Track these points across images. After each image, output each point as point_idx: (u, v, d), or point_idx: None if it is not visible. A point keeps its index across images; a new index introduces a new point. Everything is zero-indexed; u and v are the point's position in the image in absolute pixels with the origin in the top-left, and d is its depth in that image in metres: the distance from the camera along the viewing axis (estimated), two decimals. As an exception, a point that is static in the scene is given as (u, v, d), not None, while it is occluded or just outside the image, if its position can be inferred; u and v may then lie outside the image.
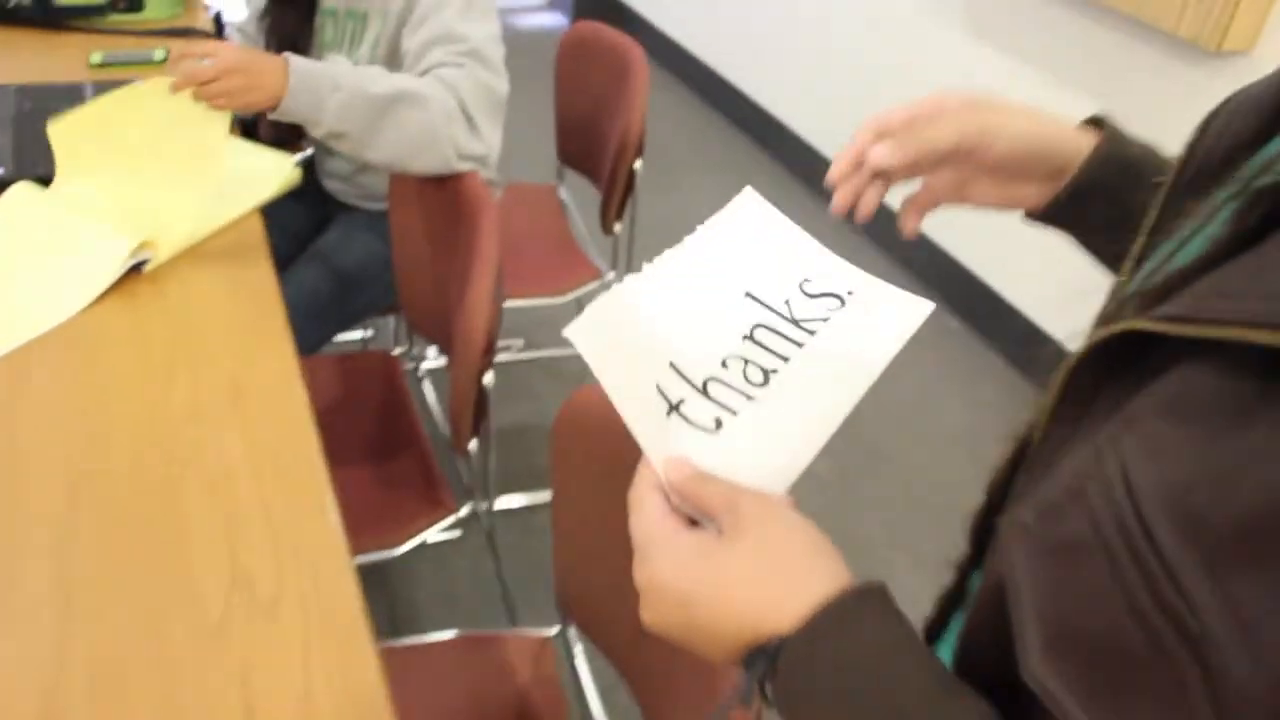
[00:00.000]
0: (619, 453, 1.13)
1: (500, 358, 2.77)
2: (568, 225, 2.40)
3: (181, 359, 1.33)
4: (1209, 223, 0.46)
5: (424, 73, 1.68)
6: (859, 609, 0.52)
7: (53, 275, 1.46)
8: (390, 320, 2.48)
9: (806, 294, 0.67)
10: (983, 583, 0.49)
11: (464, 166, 1.63)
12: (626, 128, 2.02)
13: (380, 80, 1.59)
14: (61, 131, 1.57)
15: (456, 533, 1.86)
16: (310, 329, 1.88)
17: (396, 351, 1.96)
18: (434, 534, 1.58)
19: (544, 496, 2.27)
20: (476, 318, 1.36)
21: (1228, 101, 0.54)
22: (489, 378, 1.43)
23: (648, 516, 0.58)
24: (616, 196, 2.10)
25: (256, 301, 1.46)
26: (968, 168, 0.71)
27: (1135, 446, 0.40)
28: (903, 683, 0.49)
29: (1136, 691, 0.39)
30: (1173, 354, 0.41)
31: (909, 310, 0.66)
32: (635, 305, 0.65)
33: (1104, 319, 0.47)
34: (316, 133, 1.57)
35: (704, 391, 0.62)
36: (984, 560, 0.55)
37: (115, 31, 2.34)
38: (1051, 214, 0.73)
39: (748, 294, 0.67)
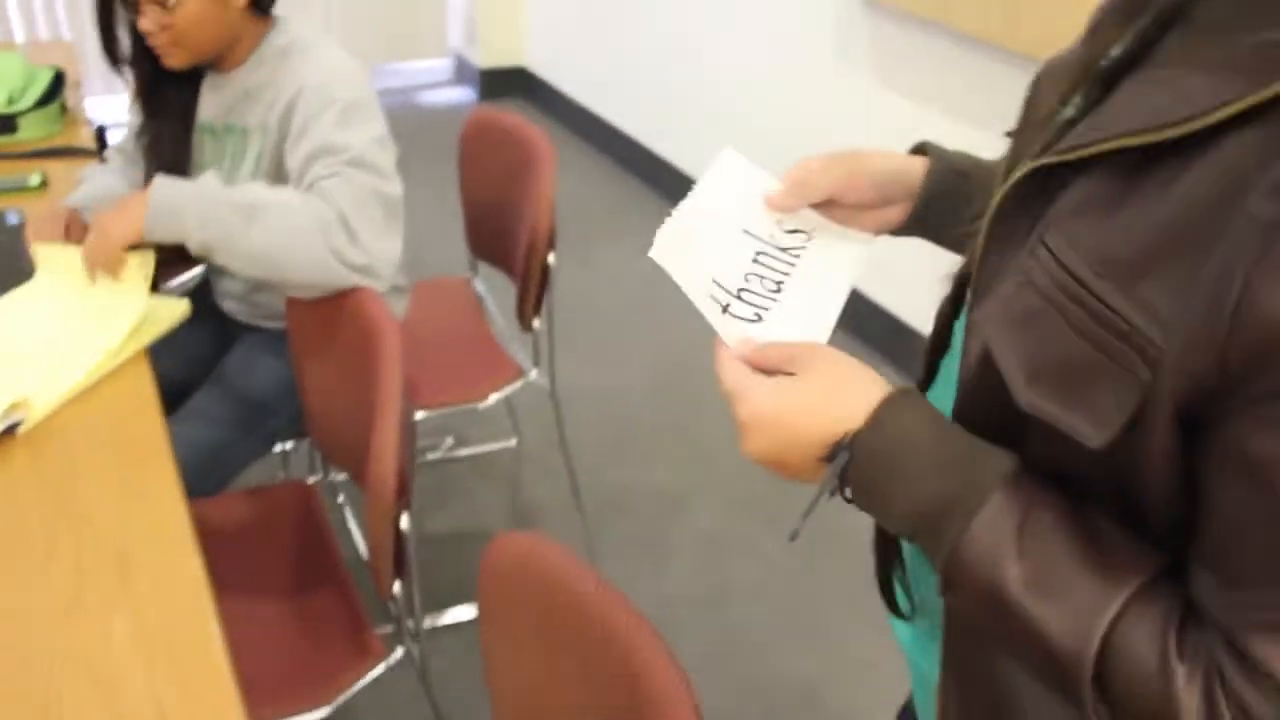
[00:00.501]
0: (549, 609, 1.03)
1: (429, 457, 2.67)
2: (485, 321, 2.30)
3: (62, 532, 1.22)
4: (1064, 110, 0.68)
5: (307, 189, 1.58)
6: (903, 402, 0.71)
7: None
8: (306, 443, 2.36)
9: (784, 230, 0.90)
10: (964, 361, 0.69)
11: (352, 278, 1.56)
12: (536, 220, 1.94)
13: (247, 191, 1.55)
14: None
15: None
16: (216, 464, 1.76)
17: (312, 480, 1.84)
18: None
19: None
20: (385, 461, 1.25)
21: (1044, 67, 0.76)
22: (405, 522, 1.32)
23: (736, 371, 0.77)
24: (532, 292, 2.01)
25: (144, 458, 1.34)
26: (841, 210, 0.90)
27: (1056, 239, 0.61)
28: (943, 443, 0.68)
29: (1097, 382, 0.58)
30: (1062, 181, 0.62)
31: (855, 239, 0.91)
32: (677, 235, 0.88)
33: (999, 182, 0.70)
34: (190, 245, 1.53)
35: (739, 297, 0.86)
36: (946, 351, 0.79)
37: (-11, 156, 2.21)
38: (913, 223, 0.93)
39: (745, 231, 0.90)
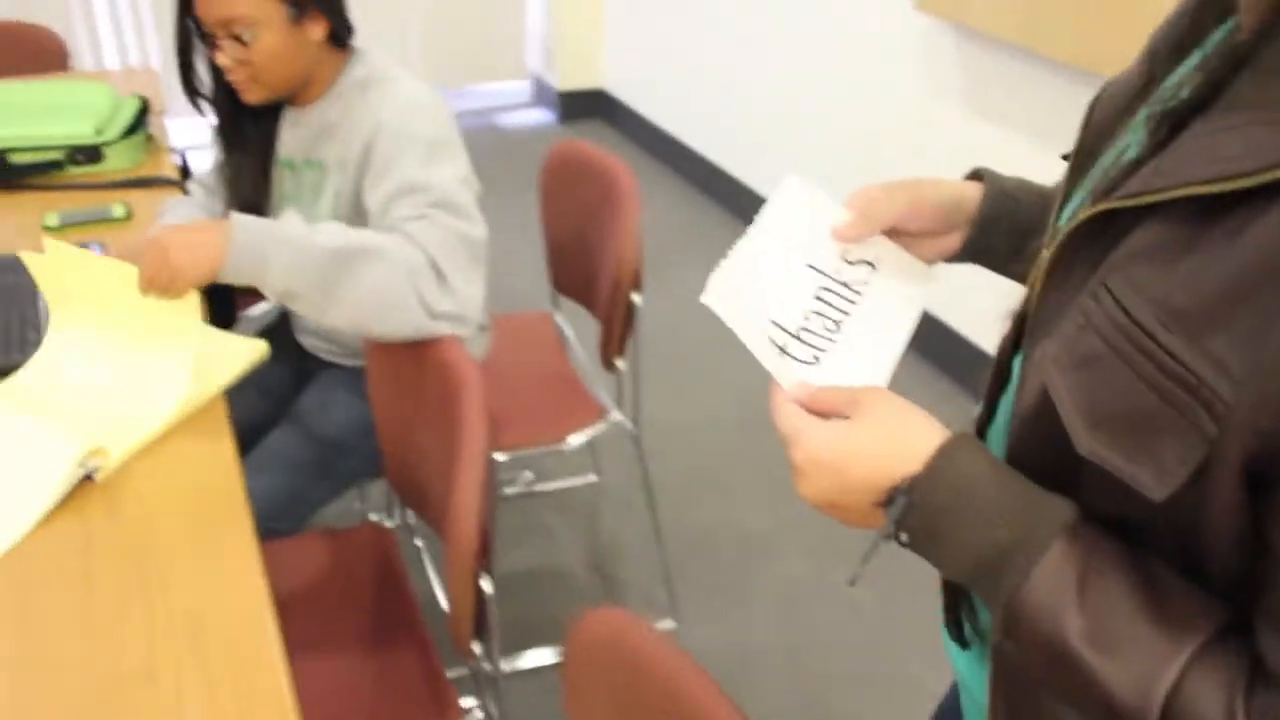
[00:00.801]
0: (636, 689, 0.96)
1: (507, 492, 2.62)
2: (567, 358, 2.24)
3: (135, 591, 1.17)
4: (1124, 148, 0.68)
5: (388, 230, 1.53)
6: (961, 447, 0.70)
7: (-5, 494, 1.30)
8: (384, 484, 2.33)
9: (848, 262, 0.88)
10: (1021, 400, 0.68)
11: (439, 327, 1.48)
12: (620, 258, 1.88)
13: (334, 235, 1.46)
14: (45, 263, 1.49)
15: None
16: (292, 506, 1.72)
17: (390, 523, 1.79)
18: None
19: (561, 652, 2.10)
20: (466, 521, 1.19)
21: (1103, 90, 0.77)
22: (487, 584, 1.26)
23: (792, 414, 0.77)
24: (615, 333, 1.94)
25: (219, 511, 1.29)
26: (903, 237, 0.90)
27: (1120, 284, 0.59)
28: (1002, 490, 0.67)
29: (1161, 434, 0.56)
30: (1125, 225, 0.61)
31: (920, 273, 0.89)
32: (734, 277, 0.86)
33: (1052, 235, 0.71)
34: (268, 292, 1.45)
35: (798, 338, 0.84)
36: (1005, 387, 0.76)
37: (76, 186, 2.20)
38: (970, 249, 0.94)
39: (809, 265, 0.88)
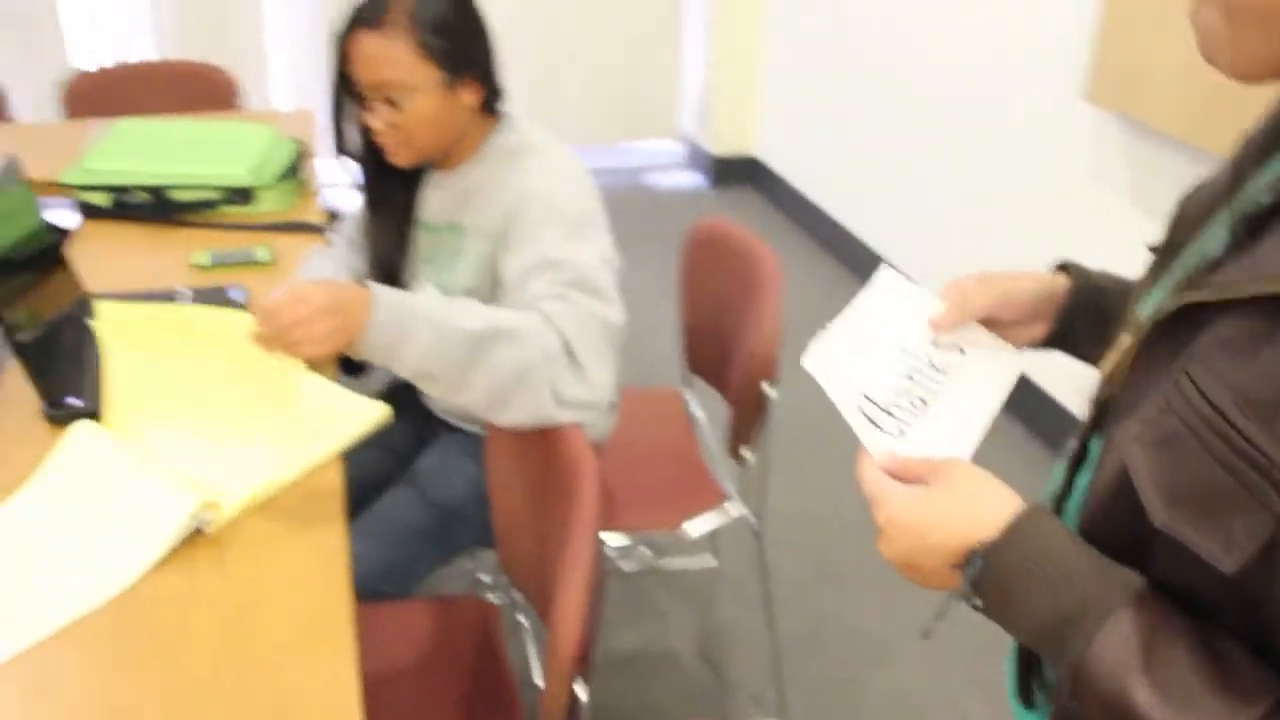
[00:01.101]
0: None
1: (623, 568, 2.56)
2: (694, 440, 2.17)
3: (226, 658, 1.14)
4: (1206, 245, 0.72)
5: (524, 306, 1.49)
6: (1036, 517, 0.74)
7: (106, 540, 1.30)
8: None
9: (936, 346, 0.95)
10: (1099, 475, 0.73)
11: (565, 415, 1.42)
12: (757, 348, 1.80)
13: (473, 315, 1.40)
14: (117, 327, 1.43)
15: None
16: (401, 573, 1.69)
17: (495, 598, 1.74)
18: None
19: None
20: (568, 626, 1.13)
21: (1195, 188, 0.81)
22: (583, 692, 1.19)
23: (878, 478, 0.83)
24: (745, 422, 1.86)
25: (323, 581, 1.26)
26: (994, 326, 0.96)
27: (1200, 371, 0.64)
28: (1074, 558, 0.71)
29: (1235, 515, 0.61)
30: (1206, 317, 0.66)
31: (1008, 359, 0.94)
32: (833, 347, 0.95)
33: (1134, 323, 0.76)
34: (401, 372, 1.38)
35: (888, 413, 0.90)
36: (1083, 465, 0.80)
37: (226, 226, 2.25)
38: (1055, 338, 1.00)
39: (901, 348, 0.95)
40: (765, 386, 1.82)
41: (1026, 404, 3.05)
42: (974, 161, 3.37)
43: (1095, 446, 0.79)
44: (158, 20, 4.39)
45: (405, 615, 1.67)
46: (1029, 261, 3.06)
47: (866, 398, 0.92)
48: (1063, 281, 1.00)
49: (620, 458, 2.05)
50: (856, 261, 4.16)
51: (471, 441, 1.80)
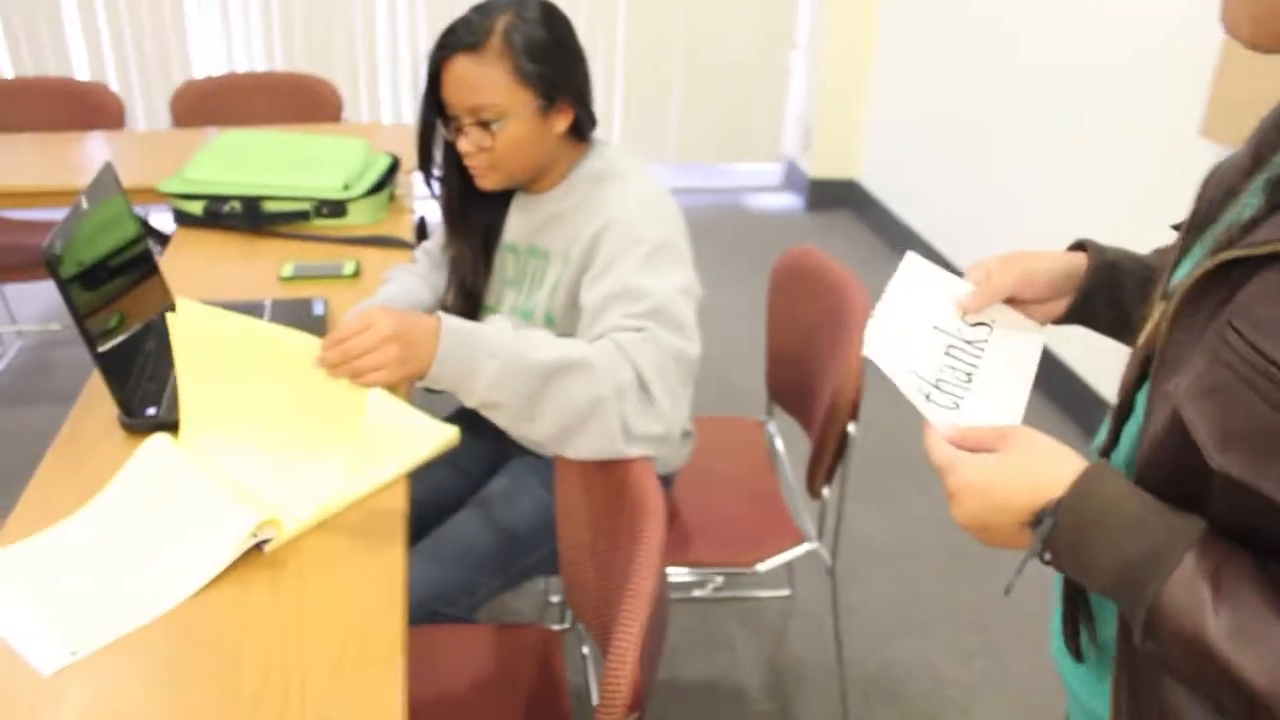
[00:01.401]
0: None
1: (694, 594, 2.51)
2: (773, 473, 2.11)
3: (276, 680, 1.12)
4: (1241, 210, 0.78)
5: (599, 336, 1.46)
6: (1101, 473, 0.79)
7: (168, 554, 1.30)
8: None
9: (968, 323, 1.01)
10: (1151, 425, 0.78)
11: (634, 450, 1.38)
12: (842, 384, 1.74)
13: (544, 347, 1.37)
14: (189, 337, 1.43)
15: None
16: (466, 595, 1.67)
17: (559, 627, 1.71)
18: None
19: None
20: (623, 671, 1.09)
21: (1214, 170, 0.89)
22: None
23: (946, 449, 0.87)
24: (825, 460, 1.80)
25: (377, 607, 1.24)
26: (1017, 305, 1.03)
27: (1245, 323, 0.69)
28: (1139, 509, 0.76)
29: None
30: (1244, 274, 0.71)
31: (1033, 333, 1.02)
32: (883, 333, 0.99)
33: (1167, 289, 0.85)
34: (469, 402, 1.36)
35: (937, 387, 0.95)
36: (1129, 418, 0.87)
37: (316, 238, 2.27)
38: (1075, 313, 1.06)
39: (935, 327, 1.01)
40: (849, 426, 1.76)
41: (1051, 380, 3.04)
42: (1086, 196, 3.26)
43: (1140, 400, 0.84)
44: (271, 32, 4.49)
45: (465, 639, 1.65)
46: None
47: (916, 374, 0.97)
48: (1081, 259, 1.06)
49: (696, 487, 2.01)
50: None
51: (543, 466, 1.77)
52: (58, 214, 1.58)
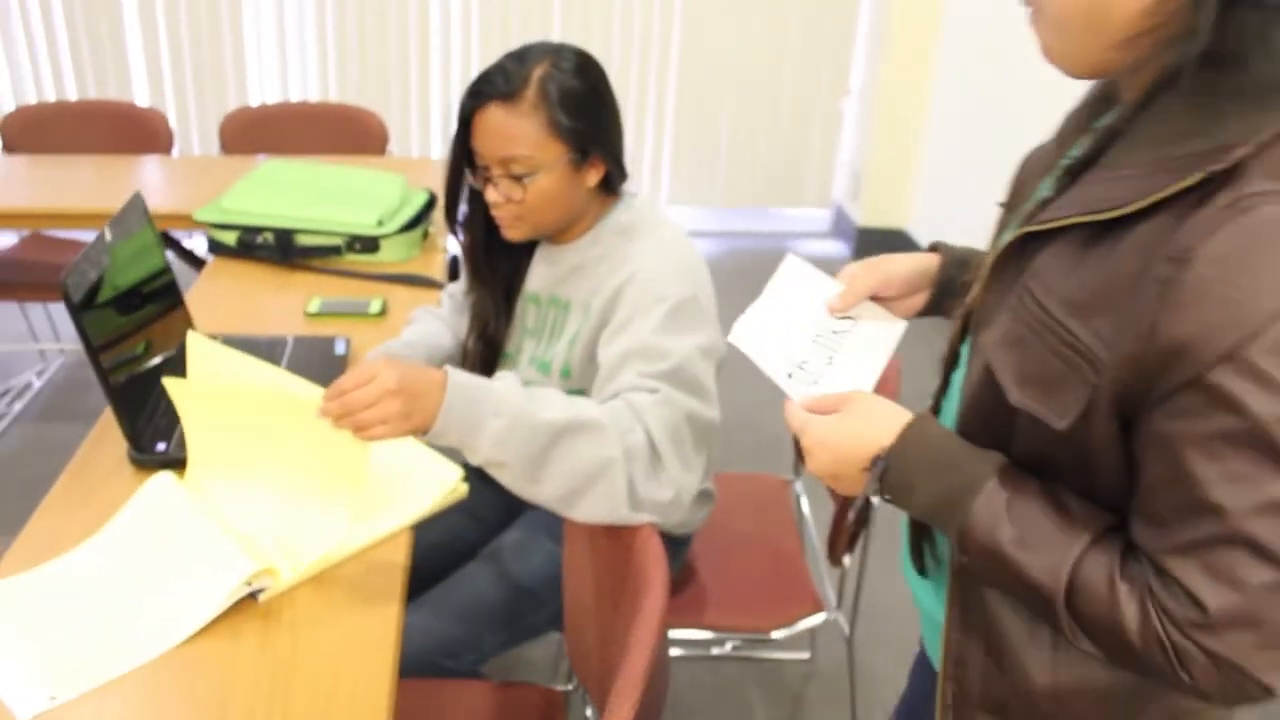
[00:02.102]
0: None
1: (712, 652, 2.45)
2: (797, 536, 2.05)
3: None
4: (1040, 192, 0.94)
5: (614, 394, 1.42)
6: (922, 423, 0.96)
7: (162, 598, 1.28)
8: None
9: (836, 318, 1.18)
10: (970, 373, 0.95)
11: (640, 517, 1.34)
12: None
13: (552, 405, 1.33)
14: (188, 393, 1.42)
15: None
16: (469, 646, 1.63)
17: (563, 688, 1.67)
18: None
19: None
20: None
21: (1027, 158, 1.07)
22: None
23: (800, 414, 1.04)
24: (846, 528, 1.74)
25: (367, 665, 1.20)
26: (879, 302, 1.18)
27: (1036, 285, 0.87)
28: (952, 450, 0.93)
29: (1065, 388, 0.83)
30: (1038, 245, 0.88)
31: (892, 326, 1.17)
32: (753, 325, 1.20)
33: (994, 243, 1.02)
34: (474, 459, 1.32)
35: (801, 368, 1.14)
36: (956, 366, 1.04)
37: (347, 274, 2.26)
38: (931, 307, 1.21)
39: (806, 320, 1.19)
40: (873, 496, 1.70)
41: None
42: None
43: (964, 350, 1.01)
44: (326, 63, 4.54)
45: (466, 696, 1.61)
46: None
47: (783, 356, 1.16)
48: (934, 259, 1.20)
49: (715, 546, 1.96)
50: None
51: (557, 520, 1.73)
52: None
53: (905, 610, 2.61)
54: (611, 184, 1.63)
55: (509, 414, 1.29)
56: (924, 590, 1.13)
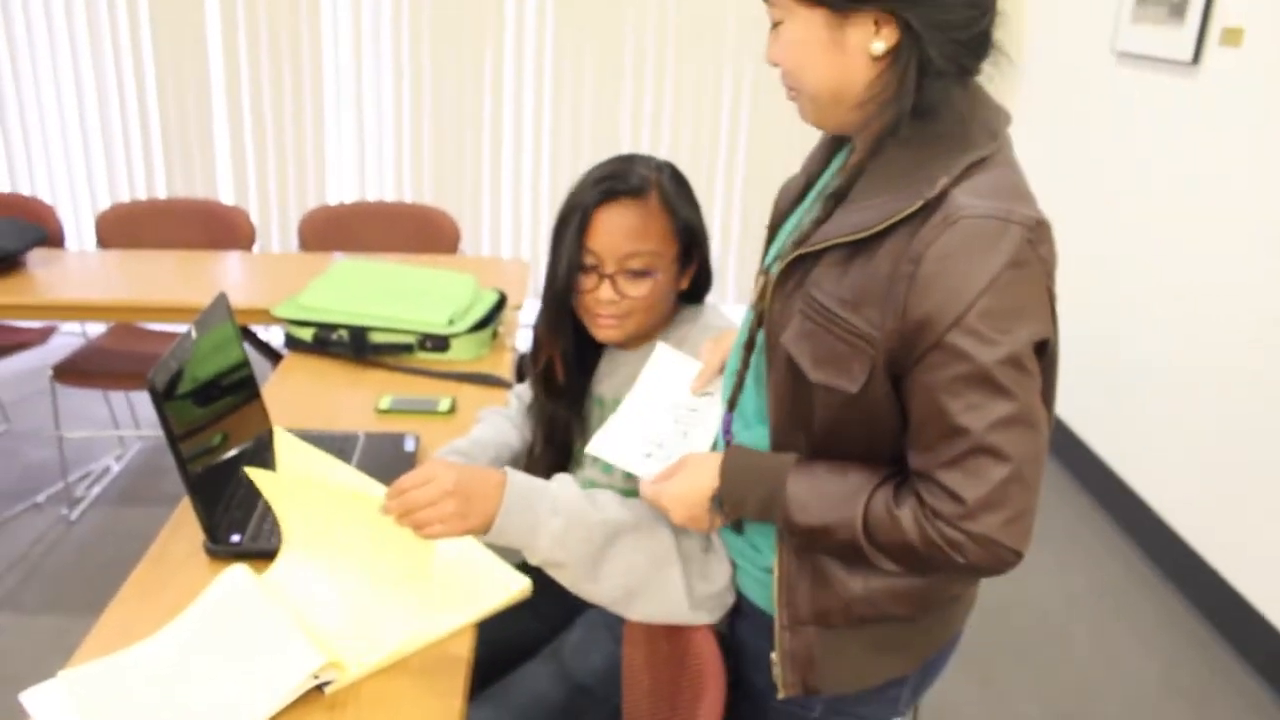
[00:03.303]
0: None
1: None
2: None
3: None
4: (804, 217, 1.24)
5: None
6: (732, 456, 1.28)
7: (231, 688, 1.31)
8: None
9: (698, 395, 1.48)
10: (773, 364, 1.23)
11: (699, 617, 1.36)
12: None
13: (609, 507, 1.37)
14: (273, 485, 1.48)
15: None
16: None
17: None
18: None
19: None
20: None
21: (782, 189, 1.40)
22: None
23: (650, 487, 1.34)
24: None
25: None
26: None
27: (817, 291, 1.15)
28: (759, 467, 1.24)
29: (848, 361, 1.12)
30: (812, 260, 1.17)
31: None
32: (616, 431, 1.50)
33: (765, 270, 1.32)
34: (533, 559, 1.36)
35: (660, 446, 1.45)
36: (754, 349, 1.31)
37: (417, 371, 2.32)
38: None
39: (672, 402, 1.49)
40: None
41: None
42: (1235, 398, 3.15)
43: (760, 337, 1.27)
44: (401, 164, 4.70)
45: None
46: None
47: (646, 440, 1.46)
48: None
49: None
50: (1078, 466, 3.93)
51: (619, 619, 1.74)
52: (186, 328, 1.65)
53: (971, 714, 2.57)
54: (700, 292, 1.69)
55: (566, 513, 1.33)
56: (741, 545, 1.38)
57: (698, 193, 1.66)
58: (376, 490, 1.33)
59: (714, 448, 1.41)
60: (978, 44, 1.12)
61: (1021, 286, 1.05)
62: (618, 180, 1.56)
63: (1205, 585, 3.04)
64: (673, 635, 1.37)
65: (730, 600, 1.43)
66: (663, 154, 1.71)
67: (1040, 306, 1.08)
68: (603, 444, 1.45)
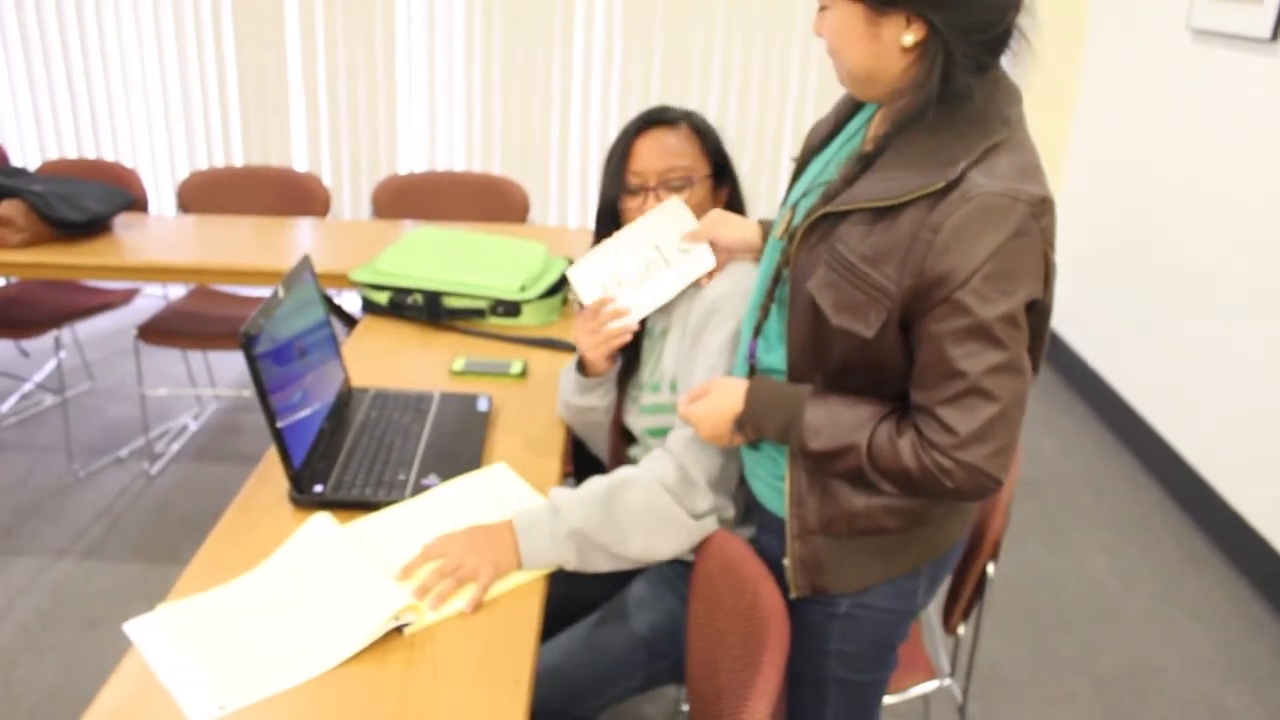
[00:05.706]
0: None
1: None
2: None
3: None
4: (826, 169, 1.46)
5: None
6: (757, 384, 1.45)
7: (315, 626, 1.38)
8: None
9: (677, 249, 1.73)
10: (796, 306, 1.37)
11: (708, 525, 1.62)
12: (984, 522, 1.72)
13: (586, 487, 1.60)
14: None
15: None
16: (590, 693, 1.70)
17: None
18: None
19: None
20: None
21: (813, 128, 1.56)
22: None
23: (685, 405, 1.54)
24: (963, 599, 1.78)
25: (503, 700, 1.28)
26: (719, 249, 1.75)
27: (842, 246, 1.30)
28: (781, 395, 1.41)
29: (866, 309, 1.28)
30: (838, 218, 1.32)
31: (703, 264, 1.73)
32: (593, 262, 1.76)
33: (789, 215, 1.47)
34: (568, 567, 1.57)
35: (618, 282, 1.75)
36: (780, 283, 1.43)
37: (489, 335, 2.38)
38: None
39: (655, 246, 1.73)
40: (988, 566, 1.73)
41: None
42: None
43: (785, 275, 1.40)
44: (472, 134, 4.77)
45: (589, 741, 1.67)
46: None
47: (611, 274, 1.73)
48: (758, 231, 1.72)
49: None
50: (1132, 436, 3.91)
51: (681, 577, 1.80)
52: (263, 291, 1.73)
53: (1020, 682, 2.59)
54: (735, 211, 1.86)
55: (564, 506, 1.56)
56: (760, 459, 1.55)
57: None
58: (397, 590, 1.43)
59: (736, 373, 1.59)
60: (998, 43, 1.26)
61: (1022, 254, 1.21)
62: (652, 113, 1.81)
63: (1266, 566, 3.03)
64: (738, 590, 1.43)
65: (729, 512, 1.66)
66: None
67: (1036, 271, 1.24)
68: (577, 270, 1.77)
